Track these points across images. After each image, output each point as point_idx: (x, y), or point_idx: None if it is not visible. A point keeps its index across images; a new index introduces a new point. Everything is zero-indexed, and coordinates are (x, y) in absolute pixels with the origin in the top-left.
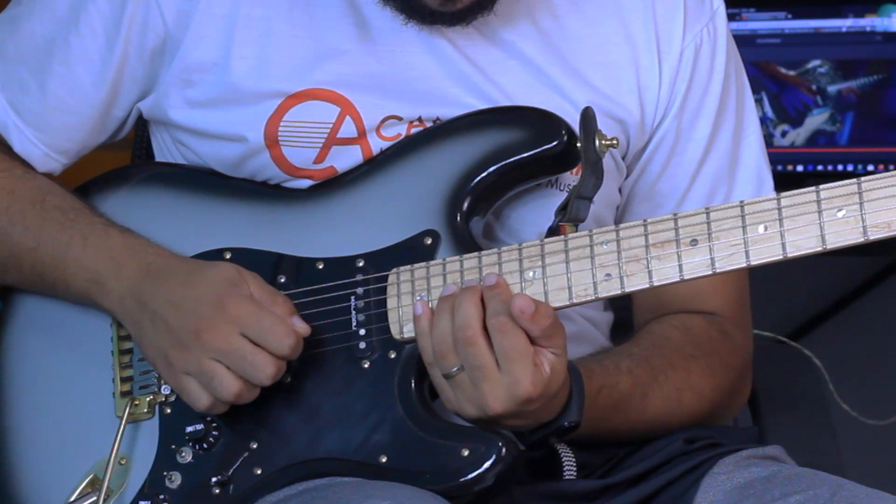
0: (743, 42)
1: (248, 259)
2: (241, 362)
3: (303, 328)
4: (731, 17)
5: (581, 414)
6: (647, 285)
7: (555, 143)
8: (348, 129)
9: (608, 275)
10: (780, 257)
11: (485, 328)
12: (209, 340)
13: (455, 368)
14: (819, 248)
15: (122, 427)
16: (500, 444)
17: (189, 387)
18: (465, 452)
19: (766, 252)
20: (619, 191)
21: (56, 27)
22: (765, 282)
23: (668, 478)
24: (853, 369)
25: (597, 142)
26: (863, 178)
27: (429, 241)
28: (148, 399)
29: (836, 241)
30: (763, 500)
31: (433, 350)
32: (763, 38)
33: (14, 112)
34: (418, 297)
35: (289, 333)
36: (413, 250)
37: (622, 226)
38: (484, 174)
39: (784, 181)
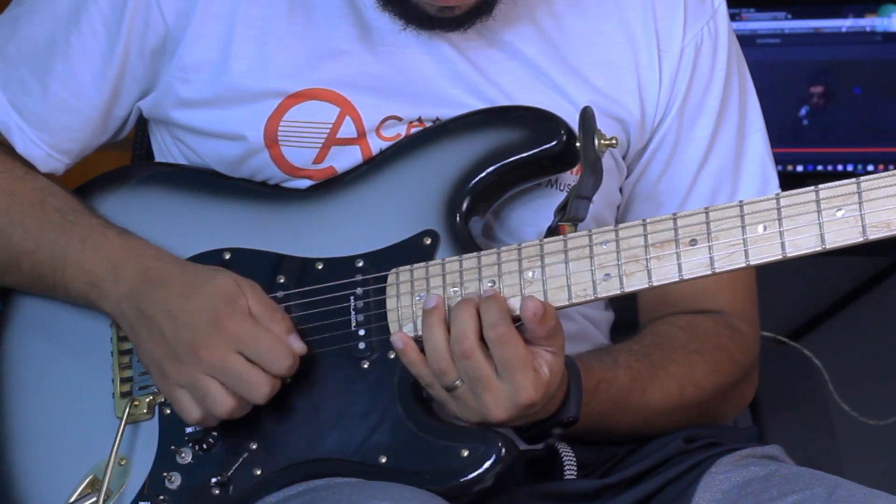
0: (743, 42)
1: (247, 259)
2: (237, 381)
3: (300, 348)
4: (731, 17)
5: (579, 409)
6: (647, 285)
7: (554, 143)
8: (348, 129)
9: (607, 275)
10: (780, 257)
11: (480, 338)
12: (205, 357)
13: (458, 382)
14: (818, 248)
15: (121, 428)
16: (500, 444)
17: (181, 399)
18: (465, 453)
19: (765, 252)
20: (620, 190)
21: (57, 27)
22: (765, 282)
23: (667, 477)
24: (853, 369)
25: (596, 141)
26: (862, 178)
27: (428, 241)
28: (147, 400)
29: (835, 240)
30: (761, 499)
31: (432, 368)
32: (763, 38)
33: (16, 112)
34: (401, 326)
35: (287, 354)
36: (412, 250)
37: (621, 226)
38: (483, 174)
39: (783, 181)
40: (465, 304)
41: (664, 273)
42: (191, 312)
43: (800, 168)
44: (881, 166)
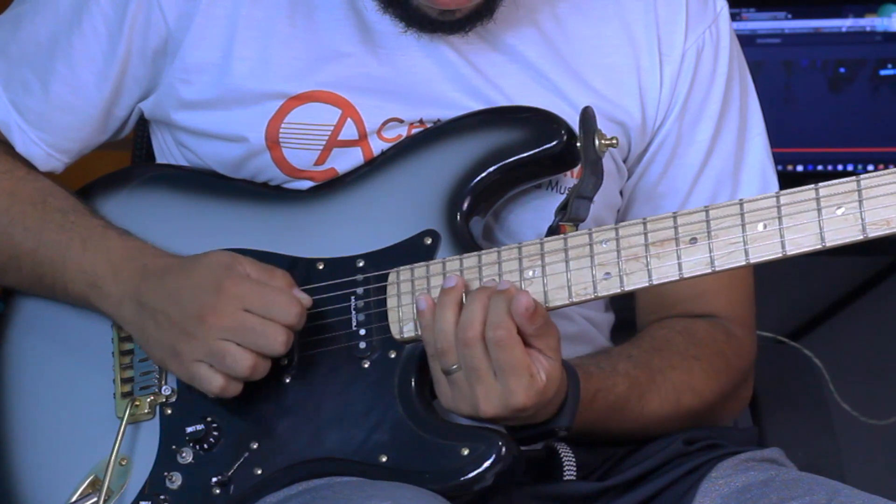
0: (743, 42)
1: None
2: (252, 335)
3: (305, 299)
4: (731, 17)
5: (573, 419)
6: (647, 284)
7: (554, 143)
8: (349, 131)
9: (608, 273)
10: (780, 255)
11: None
12: (215, 322)
13: (455, 366)
14: (818, 246)
15: (122, 428)
16: (500, 443)
17: (200, 372)
18: (465, 452)
19: (765, 250)
20: (620, 193)
21: (59, 27)
22: (765, 282)
23: (667, 480)
24: (853, 369)
25: (596, 141)
26: (862, 176)
27: (429, 241)
28: (148, 400)
29: (835, 238)
30: None
31: (434, 345)
32: (763, 38)
33: (17, 112)
34: (423, 292)
35: (294, 302)
36: (413, 250)
37: (621, 224)
38: (484, 174)
39: (783, 181)
40: (480, 294)
41: (664, 272)
42: (192, 287)
43: (800, 168)
44: (881, 166)
